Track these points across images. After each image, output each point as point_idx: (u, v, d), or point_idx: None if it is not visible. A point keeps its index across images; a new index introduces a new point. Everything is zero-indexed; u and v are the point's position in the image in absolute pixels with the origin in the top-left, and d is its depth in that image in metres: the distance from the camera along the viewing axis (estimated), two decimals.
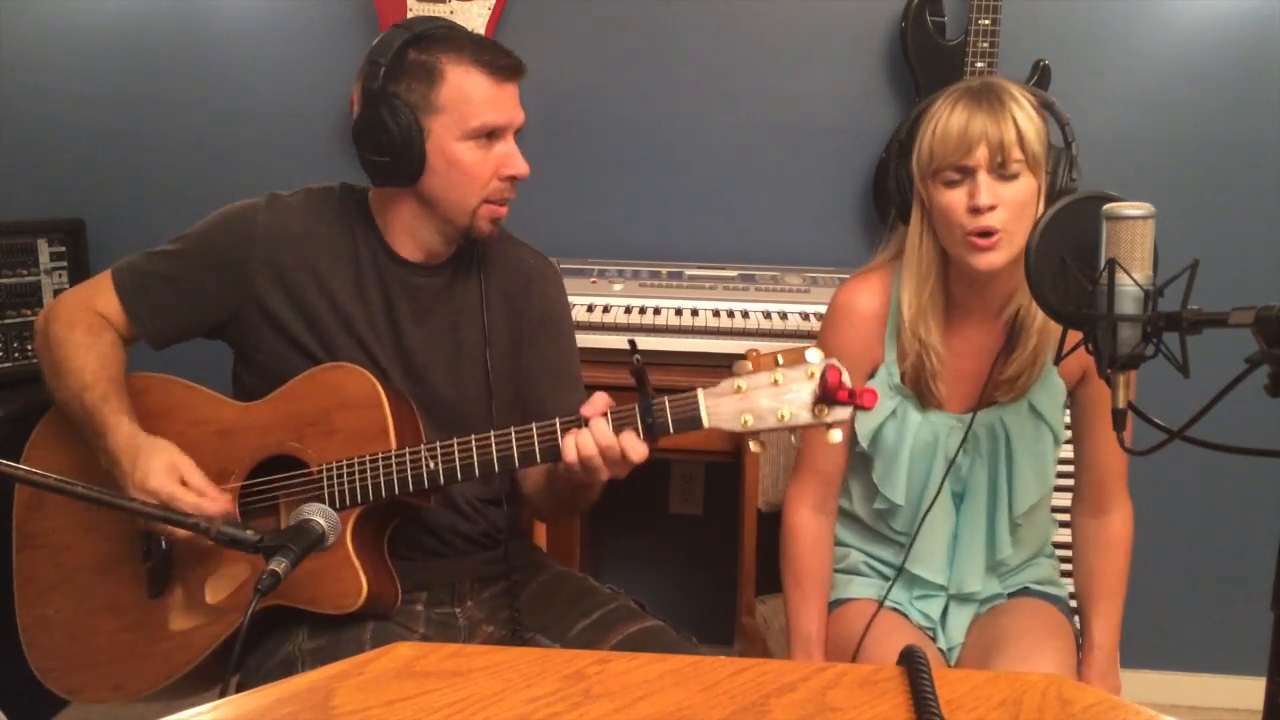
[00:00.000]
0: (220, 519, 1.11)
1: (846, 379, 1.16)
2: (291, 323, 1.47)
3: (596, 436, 1.26)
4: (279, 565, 1.04)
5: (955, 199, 1.41)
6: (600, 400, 1.29)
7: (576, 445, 1.27)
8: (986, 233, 1.40)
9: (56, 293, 2.33)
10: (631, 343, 1.26)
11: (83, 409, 1.42)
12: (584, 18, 2.44)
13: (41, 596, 1.49)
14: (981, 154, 1.39)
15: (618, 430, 1.26)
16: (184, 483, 1.36)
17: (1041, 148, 1.41)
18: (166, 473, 1.36)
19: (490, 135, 1.43)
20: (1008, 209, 1.39)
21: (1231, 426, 1.00)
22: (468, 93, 1.40)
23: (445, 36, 1.42)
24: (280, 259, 1.48)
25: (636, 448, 1.26)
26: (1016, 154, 1.39)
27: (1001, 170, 1.40)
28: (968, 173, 1.40)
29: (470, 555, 1.56)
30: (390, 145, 1.39)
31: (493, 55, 1.42)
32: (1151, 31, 2.36)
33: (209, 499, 1.37)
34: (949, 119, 1.41)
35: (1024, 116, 1.40)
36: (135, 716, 1.46)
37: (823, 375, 1.16)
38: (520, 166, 1.45)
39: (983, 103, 1.40)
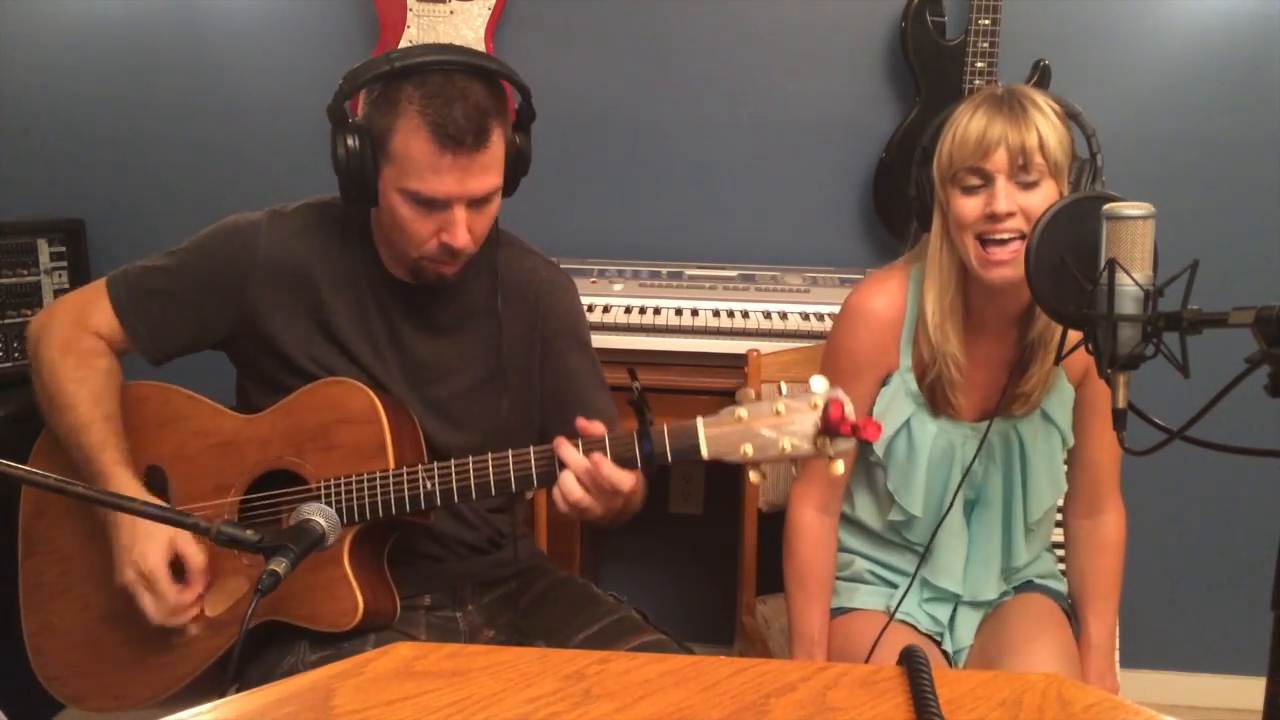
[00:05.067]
0: (219, 521, 1.10)
1: (850, 412, 1.15)
2: (291, 348, 1.45)
3: (578, 474, 1.24)
4: (279, 565, 1.04)
5: (972, 206, 1.39)
6: (594, 429, 1.27)
7: (561, 487, 1.25)
8: (1002, 241, 1.37)
9: (57, 293, 2.32)
10: (631, 372, 1.25)
11: (78, 449, 1.39)
12: (584, 18, 2.44)
13: (46, 603, 1.48)
14: (1000, 158, 1.36)
15: (613, 459, 1.24)
16: (175, 558, 1.34)
17: (1064, 156, 1.39)
18: (164, 552, 1.33)
19: (428, 204, 1.33)
20: (1026, 218, 1.36)
21: (1231, 426, 1.00)
22: (411, 153, 1.30)
23: (421, 71, 1.30)
24: (281, 284, 1.44)
25: (624, 479, 1.24)
26: (1038, 159, 1.36)
27: (1023, 175, 1.37)
28: (987, 179, 1.38)
29: (472, 560, 1.55)
30: (340, 167, 1.34)
31: (446, 119, 1.27)
32: (1151, 31, 2.36)
33: (190, 591, 1.35)
34: (969, 123, 1.38)
35: (1046, 123, 1.37)
36: (135, 717, 1.46)
37: (826, 408, 1.15)
38: (458, 238, 1.33)
39: (1003, 108, 1.38)
